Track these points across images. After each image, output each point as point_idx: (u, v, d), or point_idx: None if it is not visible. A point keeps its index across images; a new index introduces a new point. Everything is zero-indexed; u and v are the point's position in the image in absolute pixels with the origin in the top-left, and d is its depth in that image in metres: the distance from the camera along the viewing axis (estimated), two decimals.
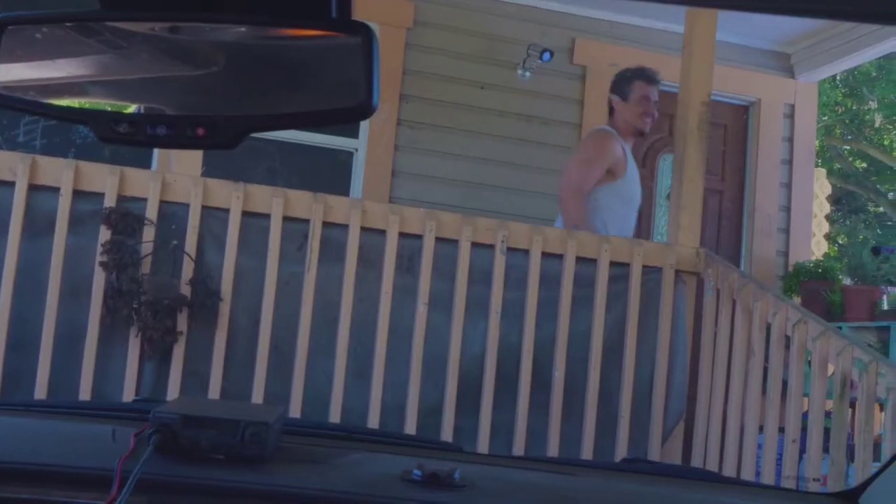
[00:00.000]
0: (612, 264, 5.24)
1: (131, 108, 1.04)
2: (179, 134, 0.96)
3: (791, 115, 8.11)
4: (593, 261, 5.22)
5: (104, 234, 4.63)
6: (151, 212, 4.72)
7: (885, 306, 6.05)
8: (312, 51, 0.99)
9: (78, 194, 4.67)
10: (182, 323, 4.68)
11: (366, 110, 0.94)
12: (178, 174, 4.94)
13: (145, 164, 6.46)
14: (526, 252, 5.14)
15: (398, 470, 1.48)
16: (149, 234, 4.70)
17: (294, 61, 1.00)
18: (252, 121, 0.98)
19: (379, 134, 7.11)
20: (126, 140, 0.98)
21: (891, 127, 18.88)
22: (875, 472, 1.60)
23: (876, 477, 1.58)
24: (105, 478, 1.35)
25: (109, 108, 1.05)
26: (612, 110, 6.14)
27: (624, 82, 6.09)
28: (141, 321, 4.59)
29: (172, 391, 4.64)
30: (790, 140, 8.09)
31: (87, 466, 1.42)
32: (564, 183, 5.85)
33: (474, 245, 5.07)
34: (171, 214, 4.78)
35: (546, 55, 7.24)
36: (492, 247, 5.10)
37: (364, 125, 7.11)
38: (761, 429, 4.77)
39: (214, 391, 4.68)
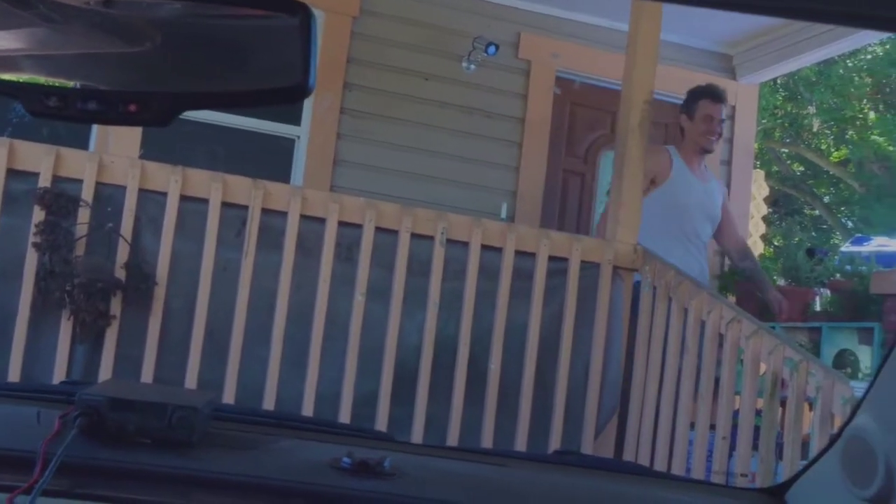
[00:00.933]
0: (551, 258, 5.26)
1: (64, 84, 1.02)
2: (111, 109, 0.94)
3: (731, 117, 8.18)
4: (532, 254, 5.24)
5: (38, 215, 4.56)
6: (87, 193, 4.65)
7: (818, 307, 6.13)
8: (249, 30, 0.98)
9: (12, 173, 4.60)
10: (115, 306, 4.62)
11: (302, 91, 0.92)
12: (115, 156, 4.88)
13: (83, 144, 6.37)
14: (465, 244, 5.14)
15: (328, 458, 1.47)
16: (84, 215, 4.64)
17: (230, 40, 0.98)
18: (185, 99, 0.96)
19: (321, 122, 7.07)
20: (56, 114, 0.96)
21: (828, 132, 19.16)
22: (801, 468, 1.62)
23: (802, 474, 1.60)
24: (28, 459, 1.33)
25: (41, 83, 1.02)
26: (681, 129, 6.32)
27: (691, 101, 6.24)
28: (73, 304, 4.52)
29: (104, 375, 4.58)
30: (730, 141, 8.16)
31: (10, 448, 1.39)
32: None
33: (414, 236, 5.07)
34: (108, 196, 4.72)
35: (491, 48, 7.24)
36: (431, 238, 5.09)
37: (307, 113, 7.06)
38: (693, 425, 4.82)
39: (147, 376, 4.63)
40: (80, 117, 0.96)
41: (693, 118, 6.18)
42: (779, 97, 18.11)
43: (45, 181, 4.59)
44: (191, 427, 1.44)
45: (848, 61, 17.32)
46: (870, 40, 9.77)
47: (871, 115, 18.58)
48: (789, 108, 18.69)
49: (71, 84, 1.01)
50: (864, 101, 18.35)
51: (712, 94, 6.19)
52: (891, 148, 17.95)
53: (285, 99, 0.95)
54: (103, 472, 1.38)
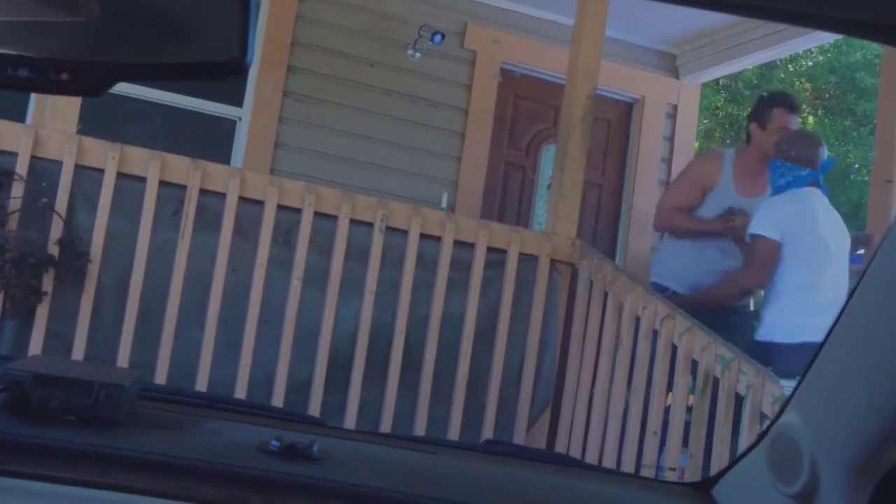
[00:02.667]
0: (490, 250, 5.27)
1: None
2: (42, 77, 0.92)
3: (673, 115, 8.26)
4: (471, 245, 5.25)
5: None
6: (22, 167, 4.58)
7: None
8: (188, 2, 0.96)
9: None
10: (47, 283, 4.56)
11: (238, 66, 0.91)
12: (52, 130, 4.80)
13: (20, 118, 6.26)
14: (405, 232, 5.14)
15: (256, 440, 1.46)
16: (17, 189, 4.56)
17: (168, 11, 0.96)
18: (119, 69, 0.94)
19: (264, 104, 7.01)
20: None
21: None
22: (728, 464, 1.63)
23: (729, 469, 1.62)
24: None
25: None
26: (749, 136, 5.82)
27: (763, 109, 5.74)
28: (4, 278, 4.45)
29: (34, 352, 4.51)
30: (671, 139, 8.23)
31: None
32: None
33: (353, 222, 5.05)
34: (43, 171, 4.65)
35: (437, 37, 7.23)
36: (371, 225, 5.08)
37: (249, 94, 7.00)
38: (625, 420, 4.86)
39: (78, 354, 4.57)
40: (11, 84, 0.94)
41: (765, 128, 5.61)
42: (720, 98, 18.30)
43: None
44: (117, 405, 1.42)
45: (789, 66, 17.56)
46: (810, 45, 9.92)
47: (811, 119, 18.83)
48: (730, 110, 18.89)
49: (2, 51, 0.99)
50: (805, 106, 18.61)
51: (787, 103, 5.71)
52: (828, 153, 18.21)
53: (221, 73, 0.93)
54: (26, 449, 1.35)
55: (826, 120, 18.28)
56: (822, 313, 5.15)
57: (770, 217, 5.20)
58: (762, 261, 5.18)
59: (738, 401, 4.23)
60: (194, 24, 0.95)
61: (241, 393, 4.78)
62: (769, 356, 4.81)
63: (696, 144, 8.90)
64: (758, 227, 5.20)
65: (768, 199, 5.36)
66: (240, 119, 7.06)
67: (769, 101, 5.83)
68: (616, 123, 8.22)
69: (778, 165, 5.26)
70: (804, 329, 4.72)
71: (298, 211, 4.97)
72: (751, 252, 5.31)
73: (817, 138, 6.19)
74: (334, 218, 5.02)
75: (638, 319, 4.86)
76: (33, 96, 5.99)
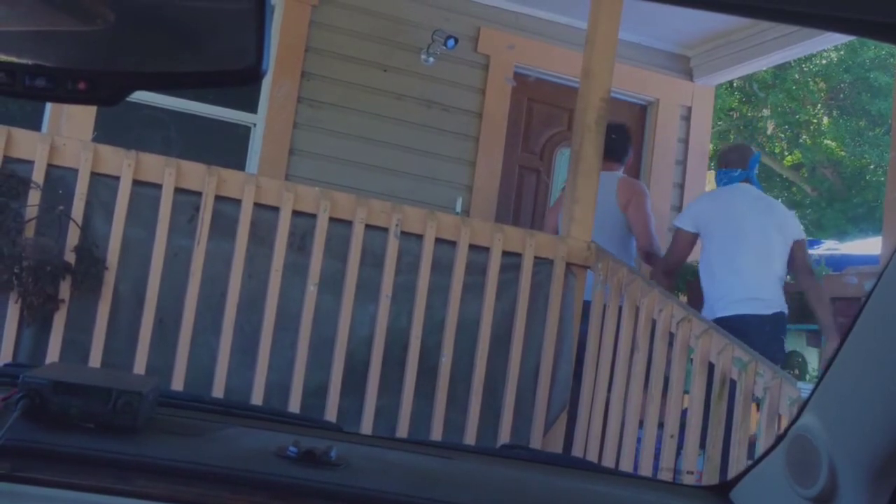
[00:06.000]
0: (505, 254, 5.27)
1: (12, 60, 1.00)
2: (59, 87, 0.92)
3: (687, 117, 8.25)
4: (486, 249, 5.24)
5: None
6: (38, 175, 4.60)
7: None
8: (203, 11, 0.97)
9: None
10: (64, 290, 4.57)
11: (254, 74, 0.91)
12: (67, 138, 4.82)
13: (35, 126, 6.30)
14: (419, 237, 5.14)
15: (274, 446, 1.46)
16: (34, 197, 4.58)
17: (184, 20, 0.97)
18: (136, 78, 0.95)
19: (278, 110, 7.03)
20: (2, 90, 0.94)
21: (782, 135, 19.36)
22: (746, 467, 1.63)
23: (747, 472, 1.61)
24: None
25: None
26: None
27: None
28: (21, 286, 4.47)
29: (51, 359, 4.53)
30: (685, 141, 8.22)
31: None
32: None
33: (368, 227, 5.05)
34: (59, 179, 4.66)
35: (451, 42, 7.24)
36: (385, 230, 5.08)
37: (263, 100, 7.03)
38: (641, 423, 4.85)
39: (95, 361, 4.59)
40: (28, 94, 0.94)
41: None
42: (734, 99, 18.27)
43: None
44: (135, 412, 1.42)
45: (803, 66, 17.52)
46: (825, 45, 9.89)
47: (825, 120, 18.79)
48: (744, 111, 18.87)
49: (20, 60, 0.99)
50: (818, 105, 18.56)
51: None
52: (843, 153, 18.17)
53: (237, 82, 0.93)
54: (45, 456, 1.36)
55: (841, 120, 18.23)
56: (738, 291, 5.58)
57: (687, 214, 6.21)
58: (675, 246, 6.13)
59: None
60: (210, 33, 0.95)
61: (257, 399, 4.78)
62: None
63: (711, 146, 8.87)
64: (678, 220, 6.25)
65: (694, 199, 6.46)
66: (254, 125, 7.08)
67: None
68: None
69: (719, 173, 6.24)
70: (717, 306, 5.71)
71: (313, 216, 4.98)
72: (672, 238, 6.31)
73: (745, 145, 7.31)
74: (349, 223, 5.03)
75: (654, 322, 4.86)
76: (48, 104, 6.02)
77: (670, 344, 4.75)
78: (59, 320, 4.58)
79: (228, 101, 6.97)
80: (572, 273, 5.45)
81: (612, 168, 6.50)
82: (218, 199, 4.84)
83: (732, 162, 6.15)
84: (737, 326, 5.14)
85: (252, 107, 7.05)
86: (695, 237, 5.99)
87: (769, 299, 5.68)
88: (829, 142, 18.43)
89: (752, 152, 6.27)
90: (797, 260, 5.85)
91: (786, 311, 5.75)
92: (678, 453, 4.65)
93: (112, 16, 0.98)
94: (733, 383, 4.37)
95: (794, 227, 5.95)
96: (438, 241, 5.17)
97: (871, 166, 18.06)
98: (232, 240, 4.84)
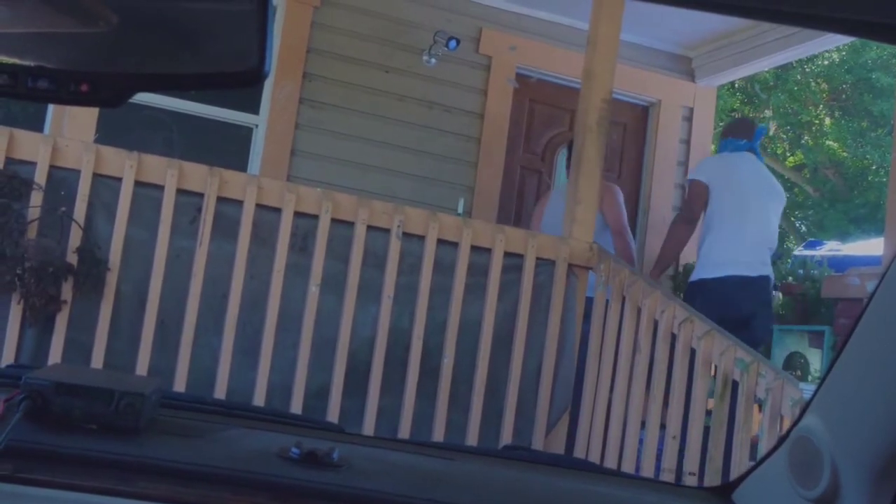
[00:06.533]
0: (506, 255, 5.27)
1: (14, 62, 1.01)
2: (62, 89, 0.92)
3: (689, 118, 8.25)
4: (488, 250, 5.24)
5: None
6: (40, 176, 4.60)
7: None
8: (206, 12, 0.97)
9: None
10: (66, 291, 4.58)
11: (257, 76, 0.91)
12: (69, 139, 4.82)
13: (37, 127, 6.30)
14: (421, 238, 5.14)
15: (276, 447, 1.46)
16: (36, 198, 4.58)
17: (186, 22, 0.97)
18: (138, 80, 0.95)
19: (280, 111, 7.04)
20: (5, 92, 0.94)
21: (784, 136, 19.35)
22: (749, 468, 1.63)
23: (749, 473, 1.61)
24: None
25: None
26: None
27: None
28: (24, 287, 4.47)
29: (54, 360, 4.53)
30: (687, 142, 8.22)
31: None
32: None
33: (370, 228, 5.05)
34: (61, 180, 4.67)
35: (452, 43, 7.24)
36: (387, 231, 5.09)
37: (265, 101, 7.03)
38: (643, 424, 4.84)
39: (97, 362, 4.59)
40: (31, 95, 0.94)
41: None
42: (736, 100, 18.27)
43: None
44: (137, 413, 1.42)
45: (805, 66, 17.52)
46: (827, 46, 9.88)
47: (827, 120, 18.78)
48: (746, 112, 18.85)
49: (22, 62, 1.00)
50: (820, 106, 18.55)
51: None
52: (845, 154, 18.17)
53: (240, 83, 0.93)
54: (47, 457, 1.36)
55: (843, 121, 18.22)
56: (743, 251, 5.89)
57: (701, 168, 6.58)
58: (691, 196, 6.46)
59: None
60: (212, 35, 0.95)
61: (259, 400, 4.79)
62: (696, 293, 6.03)
63: (713, 147, 8.87)
64: (692, 173, 6.65)
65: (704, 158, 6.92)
66: (256, 126, 7.08)
67: None
68: (632, 127, 8.21)
69: (725, 142, 6.65)
70: (726, 265, 6.04)
71: (315, 217, 4.98)
72: (685, 193, 6.79)
73: (750, 119, 7.96)
74: (351, 224, 5.03)
75: (656, 323, 4.86)
76: (51, 105, 6.02)
77: (672, 345, 4.75)
78: (61, 321, 4.58)
79: (230, 102, 6.97)
80: (574, 274, 5.45)
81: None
82: (220, 200, 4.84)
83: (739, 132, 6.60)
84: (730, 286, 5.89)
85: (254, 108, 7.05)
86: (707, 189, 6.33)
87: (760, 263, 6.12)
88: (831, 143, 18.42)
89: (757, 125, 6.75)
90: None
91: (772, 275, 6.22)
92: (680, 455, 4.65)
93: (114, 18, 0.98)
94: (735, 384, 4.37)
95: (782, 201, 6.59)
96: (440, 242, 5.17)
97: (874, 167, 18.05)
98: (234, 241, 4.84)
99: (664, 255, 6.73)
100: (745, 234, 6.12)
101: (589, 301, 5.46)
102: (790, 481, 1.40)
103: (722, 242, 6.13)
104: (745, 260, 6.01)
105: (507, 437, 5.14)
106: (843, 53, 17.36)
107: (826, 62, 17.82)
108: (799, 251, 12.81)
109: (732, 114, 18.25)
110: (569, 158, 6.16)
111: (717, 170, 6.43)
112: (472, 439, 5.08)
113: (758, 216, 6.21)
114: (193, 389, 4.65)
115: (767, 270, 6.15)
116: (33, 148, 4.63)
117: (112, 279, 4.67)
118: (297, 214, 4.96)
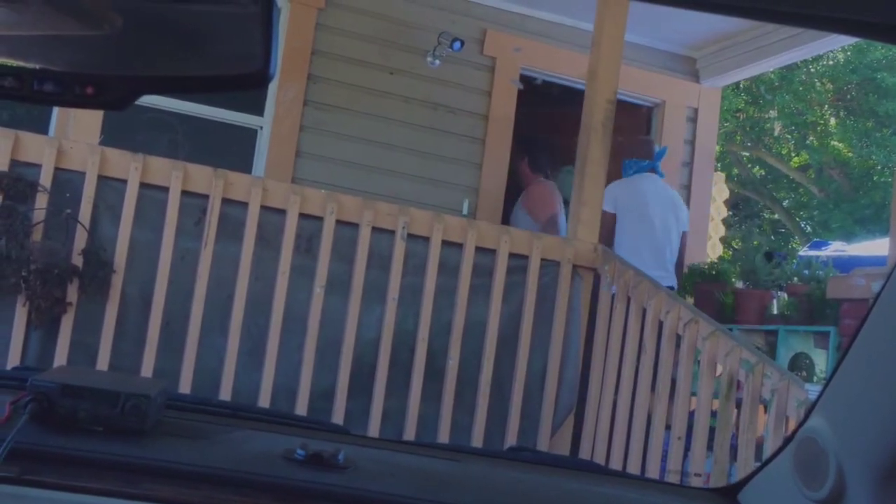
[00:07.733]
0: (511, 256, 5.27)
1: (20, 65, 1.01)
2: (67, 91, 0.92)
3: (694, 119, 8.24)
4: (493, 251, 5.24)
5: None
6: (45, 178, 4.61)
7: (775, 310, 6.18)
8: (210, 15, 0.97)
9: None
10: (72, 293, 4.58)
11: (262, 78, 0.91)
12: (75, 141, 4.83)
13: (43, 129, 6.30)
14: (426, 239, 5.14)
15: (281, 449, 1.46)
16: (42, 200, 4.59)
17: (191, 24, 0.97)
18: (143, 82, 0.95)
19: (285, 113, 7.04)
20: (11, 95, 0.94)
21: (789, 136, 19.33)
22: (754, 469, 1.62)
23: (755, 474, 1.61)
24: None
25: None
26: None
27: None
28: (29, 289, 4.48)
29: (59, 362, 4.54)
30: (692, 143, 8.21)
31: None
32: None
33: (375, 230, 5.06)
34: (66, 182, 4.67)
35: (457, 44, 7.23)
36: (392, 232, 5.09)
37: (270, 103, 7.03)
38: (649, 425, 4.84)
39: (102, 364, 4.60)
40: (36, 98, 0.94)
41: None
42: (741, 101, 18.24)
43: (2, 165, 4.54)
44: (143, 415, 1.42)
45: (810, 67, 17.50)
46: (831, 47, 9.88)
47: (832, 121, 18.76)
48: (751, 112, 18.85)
49: (28, 65, 1.00)
50: (825, 106, 18.53)
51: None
52: (850, 154, 18.14)
53: (245, 85, 0.93)
54: (54, 459, 1.36)
55: (848, 121, 18.20)
56: (648, 266, 6.05)
57: (607, 196, 6.41)
58: (602, 226, 6.28)
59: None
60: (218, 37, 0.95)
61: (264, 401, 4.79)
62: None
63: (718, 147, 8.86)
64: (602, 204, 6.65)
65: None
66: (261, 128, 7.08)
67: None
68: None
69: (627, 163, 6.89)
70: None
71: (320, 219, 4.98)
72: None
73: (650, 139, 7.73)
74: (356, 226, 5.03)
75: (661, 324, 4.85)
76: (56, 108, 6.03)
77: (677, 346, 4.74)
78: (66, 323, 4.59)
79: (235, 104, 6.97)
80: (579, 275, 5.45)
81: (538, 178, 7.35)
82: (225, 201, 4.85)
83: (641, 153, 6.97)
84: None
85: (259, 110, 7.06)
86: (614, 217, 6.61)
87: (664, 276, 6.36)
88: (836, 143, 18.40)
89: (656, 146, 7.18)
90: (681, 249, 6.88)
91: (675, 285, 6.64)
92: (685, 455, 4.65)
93: (120, 20, 0.98)
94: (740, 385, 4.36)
95: (685, 220, 6.94)
96: (445, 243, 5.17)
97: (879, 167, 18.03)
98: (239, 242, 4.85)
99: None
100: (648, 249, 6.55)
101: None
102: (796, 482, 1.39)
103: (631, 259, 6.08)
104: (653, 274, 6.05)
105: (512, 439, 5.13)
106: (849, 53, 17.34)
107: (831, 62, 17.80)
108: (804, 251, 12.79)
109: (737, 114, 18.24)
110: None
111: (621, 196, 6.69)
112: (477, 441, 5.07)
113: (661, 232, 6.68)
114: (199, 391, 4.65)
115: (672, 281, 6.57)
116: (38, 150, 4.64)
117: (117, 281, 4.68)
118: (302, 216, 4.96)
